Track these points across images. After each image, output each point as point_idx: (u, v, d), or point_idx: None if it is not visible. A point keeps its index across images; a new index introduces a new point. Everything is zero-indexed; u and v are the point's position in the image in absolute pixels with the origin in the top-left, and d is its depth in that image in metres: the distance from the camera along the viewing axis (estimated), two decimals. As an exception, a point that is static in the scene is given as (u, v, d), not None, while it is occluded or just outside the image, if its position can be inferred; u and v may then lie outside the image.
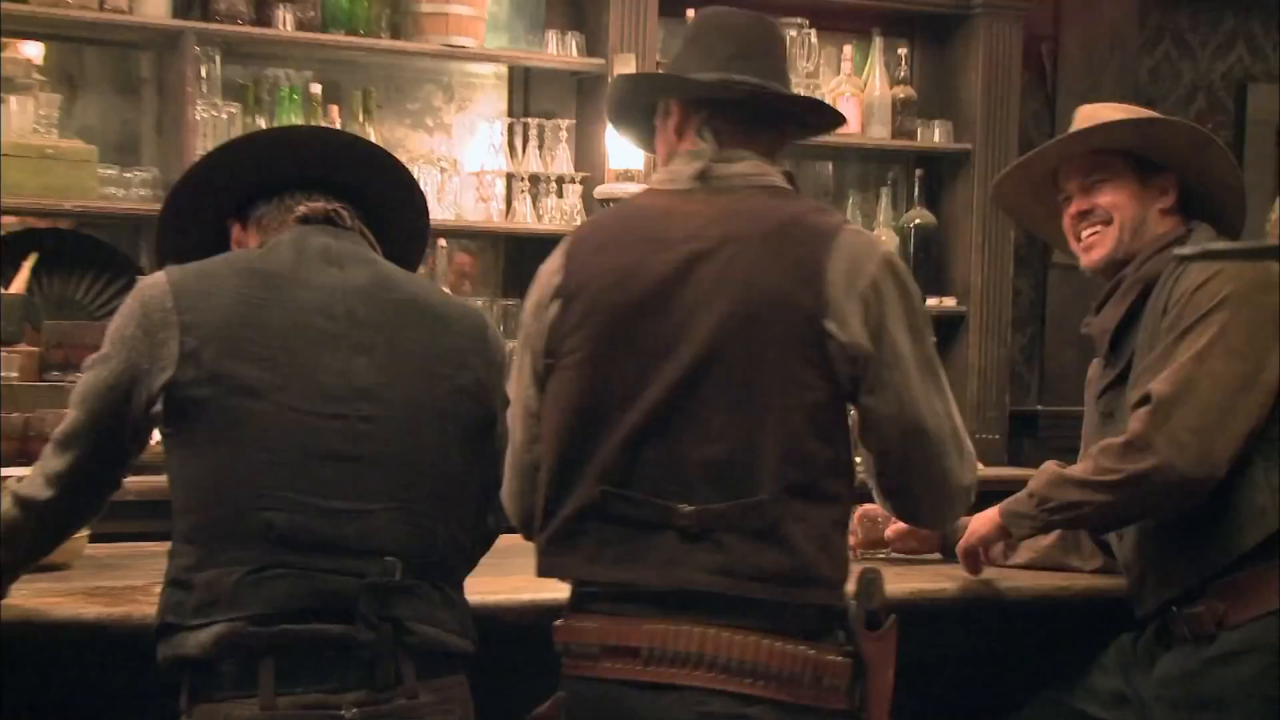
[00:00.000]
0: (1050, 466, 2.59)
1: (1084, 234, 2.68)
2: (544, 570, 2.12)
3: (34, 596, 2.30)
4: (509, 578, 2.37)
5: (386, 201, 2.27)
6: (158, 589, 2.17)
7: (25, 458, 3.76)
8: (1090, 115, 2.72)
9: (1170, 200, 2.65)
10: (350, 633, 1.93)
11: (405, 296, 2.12)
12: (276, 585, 1.93)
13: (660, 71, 2.29)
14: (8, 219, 4.34)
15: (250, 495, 1.95)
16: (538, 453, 2.12)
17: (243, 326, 2.00)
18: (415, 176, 2.42)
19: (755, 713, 1.98)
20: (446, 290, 2.21)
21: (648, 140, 2.34)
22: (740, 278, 2.04)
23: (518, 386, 2.17)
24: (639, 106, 2.28)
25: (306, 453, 1.98)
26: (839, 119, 2.32)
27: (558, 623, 2.11)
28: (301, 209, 2.14)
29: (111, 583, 2.48)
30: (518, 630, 2.34)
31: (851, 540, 2.60)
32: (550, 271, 2.14)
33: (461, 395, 2.10)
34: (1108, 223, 2.64)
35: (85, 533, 2.72)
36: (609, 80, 4.49)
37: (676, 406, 2.02)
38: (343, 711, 1.92)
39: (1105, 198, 2.65)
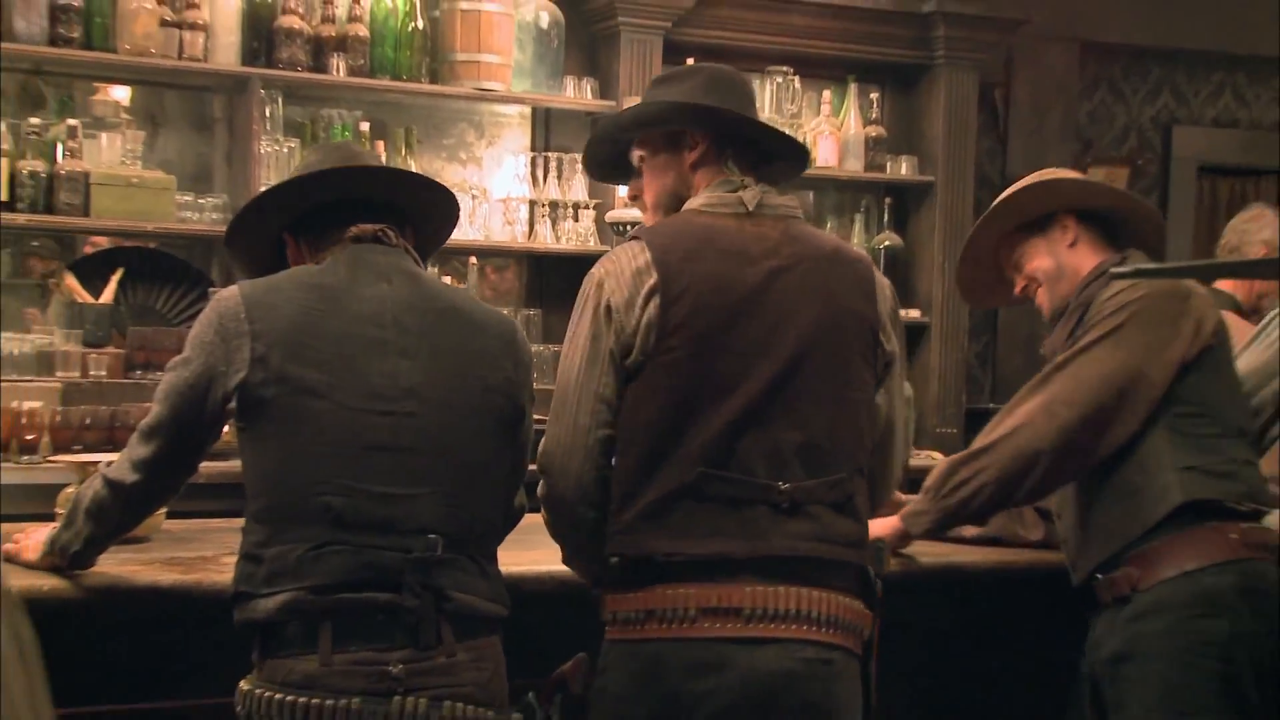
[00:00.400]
0: (940, 460, 2.61)
1: (1035, 299, 2.67)
2: (626, 546, 2.08)
3: (118, 565, 2.30)
4: (531, 551, 2.37)
5: (427, 214, 2.28)
6: (226, 560, 2.18)
7: (111, 445, 3.77)
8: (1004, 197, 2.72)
9: (1071, 234, 2.60)
10: (397, 600, 1.93)
11: (444, 306, 2.11)
12: (334, 560, 1.93)
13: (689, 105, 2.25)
14: (98, 239, 4.34)
15: (311, 482, 1.96)
16: (603, 435, 2.10)
17: (304, 334, 2.00)
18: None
19: (835, 658, 2.07)
20: (479, 300, 2.17)
21: (613, 171, 2.39)
22: (819, 291, 2.14)
23: (587, 374, 2.11)
24: (651, 135, 2.26)
25: (359, 445, 1.97)
26: (805, 165, 2.42)
27: (630, 594, 2.08)
28: (353, 230, 2.13)
29: (185, 554, 2.48)
30: (540, 598, 2.34)
31: None
32: (638, 273, 2.10)
33: (493, 393, 2.09)
34: (1040, 283, 2.63)
35: (163, 510, 2.71)
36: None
37: (773, 397, 2.08)
38: (390, 667, 1.92)
39: (1029, 265, 2.64)
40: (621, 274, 2.11)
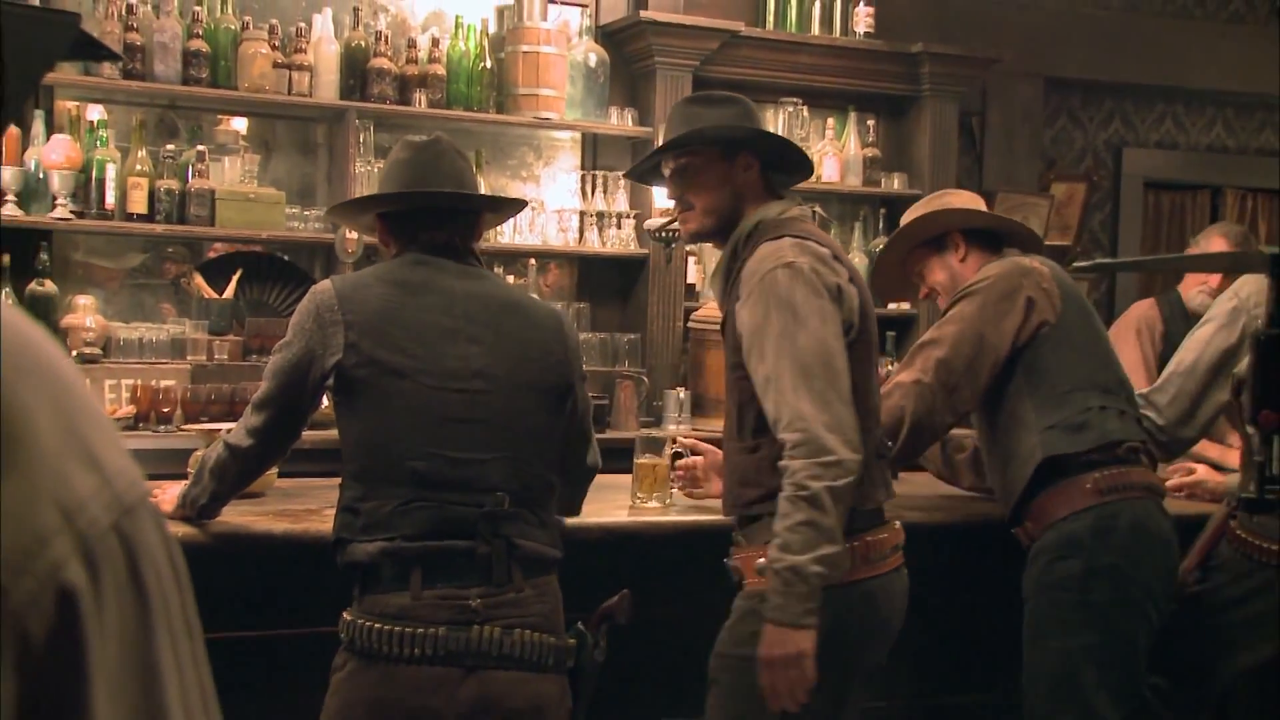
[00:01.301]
0: None
1: (937, 301, 2.71)
2: (888, 496, 2.19)
3: (239, 516, 2.29)
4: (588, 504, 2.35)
5: (492, 209, 2.36)
6: (328, 512, 2.16)
7: (232, 416, 3.76)
8: (905, 223, 2.73)
9: (961, 251, 2.64)
10: (473, 547, 1.93)
11: (504, 300, 2.11)
12: (419, 514, 1.93)
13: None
14: (222, 245, 4.35)
15: (399, 449, 1.95)
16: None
17: (388, 323, 1.98)
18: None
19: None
20: (534, 295, 2.15)
21: (651, 177, 2.39)
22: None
23: (835, 338, 2.05)
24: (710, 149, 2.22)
25: (438, 417, 1.96)
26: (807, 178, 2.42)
27: (853, 543, 2.09)
28: (425, 236, 2.10)
29: (294, 507, 2.47)
30: (588, 544, 2.32)
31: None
32: (829, 269, 2.10)
33: (548, 372, 2.07)
34: (939, 292, 2.67)
35: (275, 470, 2.71)
36: (654, 143, 4.45)
37: None
38: (470, 601, 1.92)
39: (929, 277, 2.68)
40: (820, 268, 2.08)
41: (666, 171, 2.27)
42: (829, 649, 2.00)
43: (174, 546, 0.57)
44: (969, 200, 2.75)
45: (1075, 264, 2.49)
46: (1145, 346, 3.73)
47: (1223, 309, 2.69)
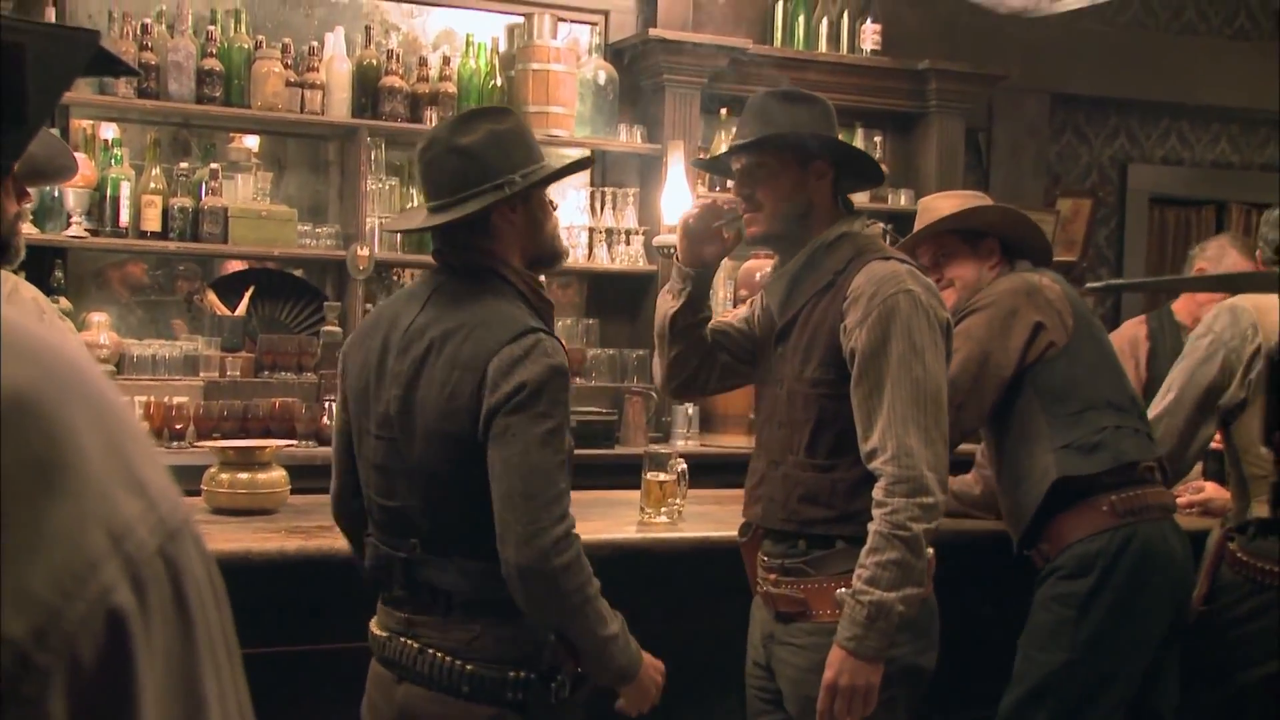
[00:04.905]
0: None
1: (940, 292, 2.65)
2: None
3: (251, 533, 2.29)
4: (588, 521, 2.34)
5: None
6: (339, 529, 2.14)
7: (244, 433, 3.77)
8: (928, 206, 2.67)
9: (996, 259, 2.60)
10: (394, 589, 1.93)
11: (447, 331, 1.86)
12: (370, 550, 1.96)
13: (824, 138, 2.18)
14: (235, 262, 4.36)
15: (365, 491, 1.98)
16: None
17: (359, 368, 1.97)
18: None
19: None
20: (514, 319, 1.86)
21: (724, 171, 2.30)
22: None
23: (944, 375, 2.05)
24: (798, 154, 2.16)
25: (369, 463, 1.95)
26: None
27: None
28: (436, 258, 2.00)
29: (306, 523, 2.46)
30: (596, 561, 2.31)
31: None
32: (940, 304, 2.11)
33: (449, 419, 1.82)
34: (952, 286, 2.59)
35: (288, 485, 2.71)
36: (663, 160, 4.46)
37: None
38: (400, 613, 1.92)
39: (951, 271, 2.60)
40: (934, 295, 2.10)
41: (736, 166, 2.19)
42: (913, 675, 2.04)
43: (214, 568, 0.58)
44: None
45: (1088, 284, 2.46)
46: (1128, 366, 3.70)
47: (1200, 345, 2.66)
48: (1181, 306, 3.71)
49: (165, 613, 0.52)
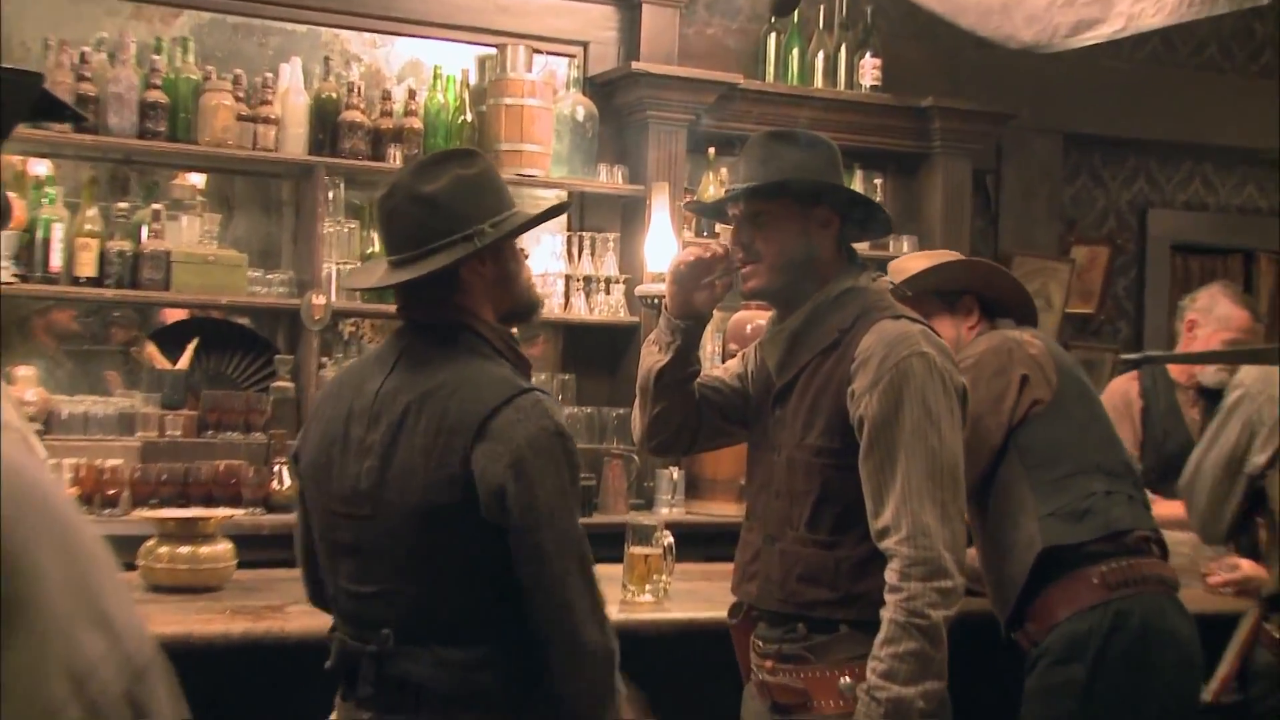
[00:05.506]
0: None
1: None
2: None
3: (193, 614, 2.26)
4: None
5: None
6: (292, 609, 2.14)
7: (185, 499, 3.74)
8: (899, 268, 2.73)
9: (975, 318, 2.64)
10: (359, 687, 1.88)
11: (426, 392, 1.84)
12: (334, 645, 1.92)
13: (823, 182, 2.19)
14: (177, 311, 4.34)
15: (327, 577, 1.95)
16: None
17: (316, 441, 1.95)
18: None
19: None
20: (502, 376, 1.86)
21: (720, 216, 2.31)
22: None
23: (960, 445, 2.05)
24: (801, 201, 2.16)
25: (330, 546, 1.93)
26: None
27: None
28: (400, 311, 1.99)
29: (254, 603, 2.44)
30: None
31: None
32: (955, 367, 2.10)
33: (435, 490, 1.80)
34: None
35: (234, 559, 2.68)
36: (646, 202, 4.48)
37: None
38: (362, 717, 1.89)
39: None
40: (949, 358, 2.10)
41: (733, 212, 2.19)
42: None
43: (183, 706, 0.57)
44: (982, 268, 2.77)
45: (1122, 356, 2.48)
46: (1122, 426, 3.70)
47: (1228, 403, 2.70)
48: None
49: None
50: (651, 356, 2.31)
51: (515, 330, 2.03)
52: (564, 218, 4.77)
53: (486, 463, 1.76)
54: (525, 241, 2.01)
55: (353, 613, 1.89)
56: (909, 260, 2.74)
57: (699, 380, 2.35)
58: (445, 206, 1.88)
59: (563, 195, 4.73)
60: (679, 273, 2.24)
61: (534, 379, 1.94)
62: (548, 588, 1.79)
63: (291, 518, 2.09)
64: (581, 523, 1.89)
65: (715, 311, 4.83)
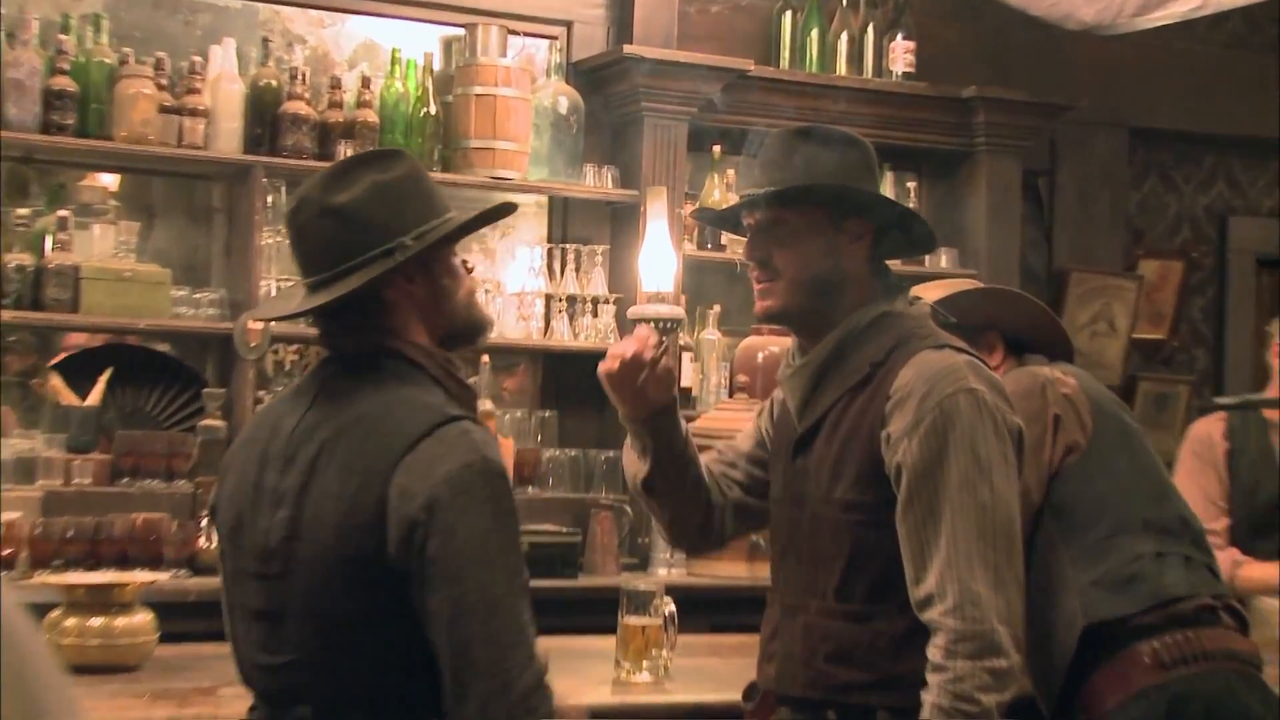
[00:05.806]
0: None
1: None
2: None
3: (107, 698, 2.25)
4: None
5: None
6: (223, 691, 2.13)
7: (95, 560, 3.73)
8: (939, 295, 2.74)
9: (999, 355, 2.64)
10: None
11: (341, 427, 1.85)
12: None
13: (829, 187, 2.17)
14: (86, 335, 4.33)
15: (236, 647, 1.95)
16: None
17: (231, 493, 1.95)
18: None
19: None
20: (424, 404, 1.84)
21: (732, 225, 2.33)
22: None
23: (1016, 498, 2.05)
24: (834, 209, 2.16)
25: (240, 611, 1.93)
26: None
27: None
28: (325, 349, 2.00)
29: (180, 684, 2.43)
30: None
31: None
32: (1009, 405, 2.10)
33: (346, 539, 1.79)
34: None
35: (155, 633, 2.67)
36: (641, 209, 4.49)
37: None
38: None
39: None
40: (1002, 395, 2.10)
41: (748, 221, 2.19)
42: None
43: None
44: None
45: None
46: (1205, 474, 3.69)
47: None
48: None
49: None
50: (633, 465, 2.32)
51: (459, 355, 2.01)
52: (544, 227, 4.79)
53: (399, 502, 1.76)
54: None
55: (267, 688, 1.89)
56: (924, 290, 2.75)
57: (715, 460, 2.36)
58: (359, 219, 1.88)
59: (542, 201, 4.75)
60: (611, 383, 2.24)
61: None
62: (463, 655, 1.74)
63: (216, 580, 2.09)
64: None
65: (722, 339, 4.87)
